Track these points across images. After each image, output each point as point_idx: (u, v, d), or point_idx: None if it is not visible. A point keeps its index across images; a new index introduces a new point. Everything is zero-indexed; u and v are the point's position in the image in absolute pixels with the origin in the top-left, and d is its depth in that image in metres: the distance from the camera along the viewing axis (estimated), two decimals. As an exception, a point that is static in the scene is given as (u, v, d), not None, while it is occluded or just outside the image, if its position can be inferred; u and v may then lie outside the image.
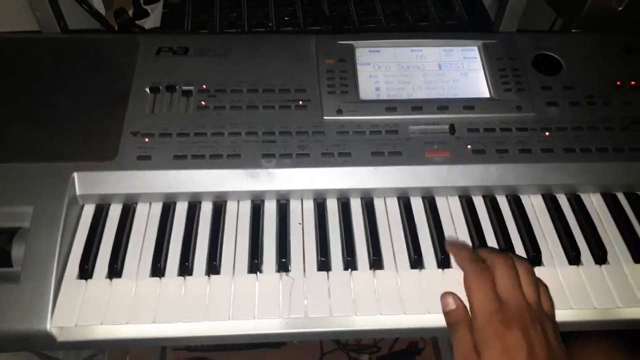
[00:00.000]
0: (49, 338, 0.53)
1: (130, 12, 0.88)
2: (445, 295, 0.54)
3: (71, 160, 0.60)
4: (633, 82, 0.71)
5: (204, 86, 0.67)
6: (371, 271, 0.58)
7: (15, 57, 0.70)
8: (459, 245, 0.58)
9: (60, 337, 0.54)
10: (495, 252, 0.55)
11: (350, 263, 0.58)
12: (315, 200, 0.64)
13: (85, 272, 0.56)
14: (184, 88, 0.67)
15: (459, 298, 0.54)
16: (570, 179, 0.64)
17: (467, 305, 0.52)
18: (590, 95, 0.69)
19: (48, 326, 0.52)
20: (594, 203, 0.65)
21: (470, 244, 0.61)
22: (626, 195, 0.66)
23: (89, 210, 0.61)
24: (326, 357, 1.34)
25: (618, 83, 0.71)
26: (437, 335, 1.29)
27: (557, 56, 0.73)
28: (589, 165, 0.64)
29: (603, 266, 0.59)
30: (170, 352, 1.31)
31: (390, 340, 1.38)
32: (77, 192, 0.60)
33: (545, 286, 0.55)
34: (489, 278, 0.51)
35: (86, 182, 0.60)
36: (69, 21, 0.76)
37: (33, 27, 0.75)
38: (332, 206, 0.63)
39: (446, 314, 0.53)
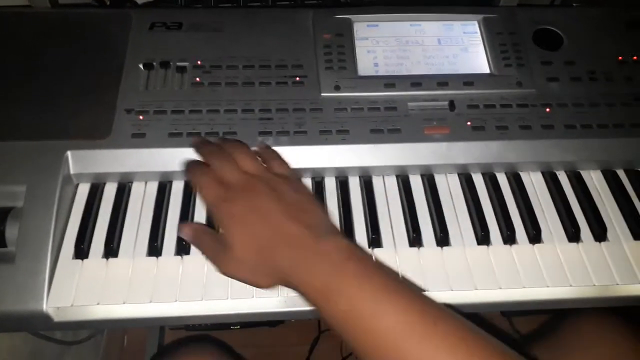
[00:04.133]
0: (45, 318, 0.52)
1: (122, -13, 0.86)
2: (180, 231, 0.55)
3: (64, 139, 0.59)
4: (635, 58, 0.69)
5: (199, 62, 0.66)
6: (369, 249, 0.57)
7: (4, 33, 0.68)
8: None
9: (57, 318, 0.53)
10: (205, 146, 0.57)
11: (348, 241, 0.57)
12: (313, 178, 0.63)
13: (81, 251, 0.55)
14: (178, 64, 0.66)
15: (189, 224, 0.57)
16: (571, 155, 0.63)
17: None
18: (591, 70, 0.68)
19: (44, 307, 0.52)
20: (594, 180, 0.64)
21: (470, 221, 0.60)
22: (626, 171, 0.65)
23: (83, 189, 0.60)
24: (323, 336, 1.35)
25: (620, 58, 0.69)
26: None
27: (558, 31, 0.71)
28: (589, 142, 0.63)
29: (602, 243, 0.59)
30: (169, 331, 1.31)
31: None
32: (71, 171, 0.59)
33: (272, 151, 0.59)
34: (206, 172, 0.53)
35: (80, 161, 0.59)
36: (59, -5, 0.74)
37: (22, 2, 0.73)
38: (330, 184, 0.63)
39: (195, 245, 0.54)
